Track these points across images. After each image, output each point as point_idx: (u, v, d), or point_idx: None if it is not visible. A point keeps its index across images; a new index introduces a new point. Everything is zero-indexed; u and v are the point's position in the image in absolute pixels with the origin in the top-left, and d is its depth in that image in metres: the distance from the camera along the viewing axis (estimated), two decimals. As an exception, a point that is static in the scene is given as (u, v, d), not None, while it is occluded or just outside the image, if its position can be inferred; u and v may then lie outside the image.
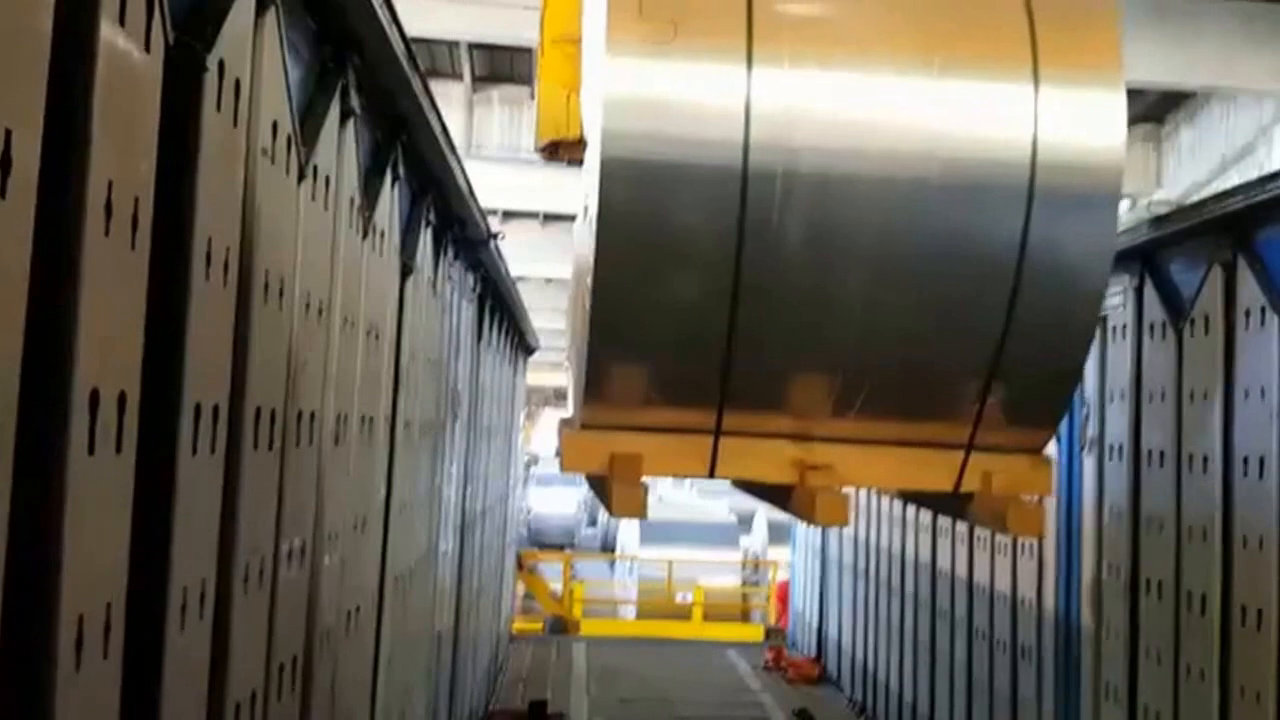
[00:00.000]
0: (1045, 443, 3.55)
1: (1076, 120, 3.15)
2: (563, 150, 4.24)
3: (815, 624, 14.60)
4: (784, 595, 17.85)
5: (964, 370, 3.31)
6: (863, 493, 12.08)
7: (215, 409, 2.35)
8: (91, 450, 1.84)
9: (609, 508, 3.40)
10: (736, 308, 3.14)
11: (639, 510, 3.32)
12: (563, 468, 3.49)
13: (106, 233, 1.86)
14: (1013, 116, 3.14)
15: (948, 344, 3.29)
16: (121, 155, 1.90)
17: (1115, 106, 3.17)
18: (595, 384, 3.28)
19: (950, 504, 3.72)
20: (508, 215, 17.11)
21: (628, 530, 21.81)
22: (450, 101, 13.50)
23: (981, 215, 3.16)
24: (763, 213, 3.07)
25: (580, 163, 3.72)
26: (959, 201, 3.16)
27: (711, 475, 3.48)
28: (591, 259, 3.14)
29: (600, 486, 3.49)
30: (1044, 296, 3.20)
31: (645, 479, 3.31)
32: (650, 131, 3.05)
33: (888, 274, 3.18)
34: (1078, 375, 3.52)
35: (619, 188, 3.06)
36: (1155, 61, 10.66)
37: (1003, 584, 7.97)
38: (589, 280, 3.21)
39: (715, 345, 3.19)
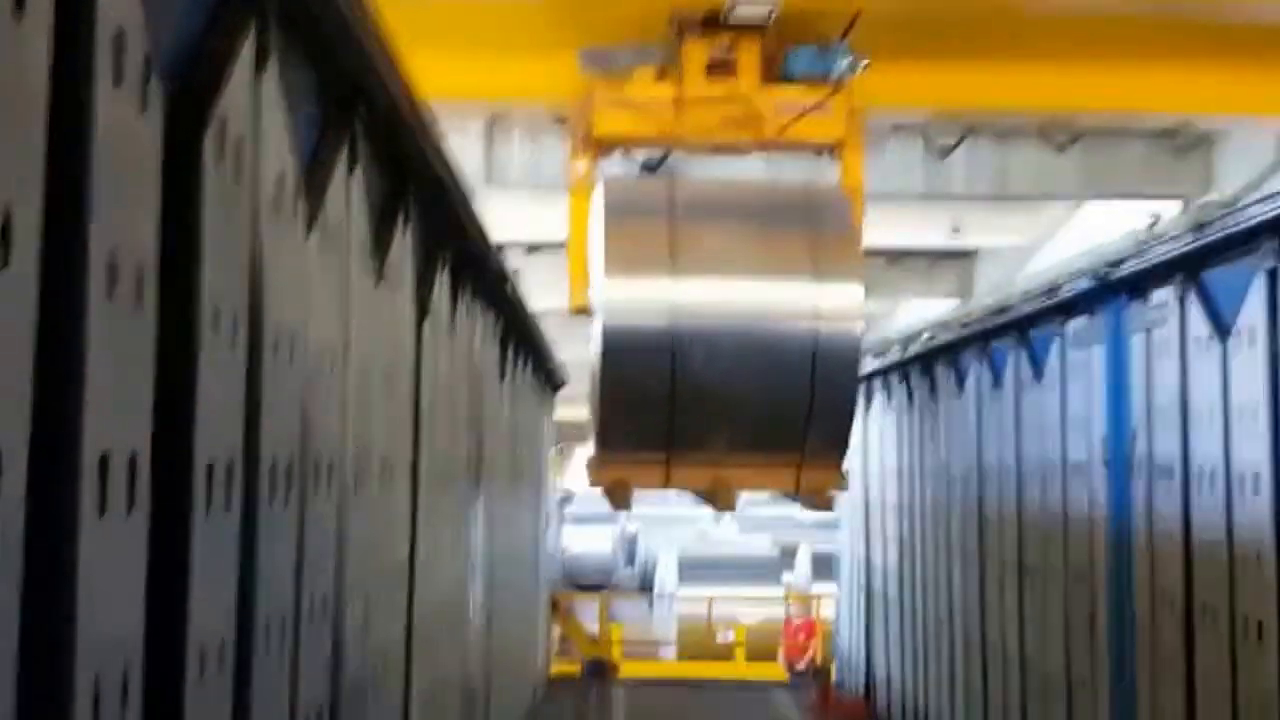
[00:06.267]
0: (841, 463, 6.67)
1: (837, 297, 6.38)
2: (583, 311, 7.44)
3: (863, 662, 14.31)
4: (809, 631, 17.49)
5: (792, 426, 6.32)
6: (904, 523, 11.93)
7: (229, 466, 2.35)
8: (103, 514, 1.84)
9: (612, 505, 6.87)
10: (674, 399, 6.18)
11: (627, 506, 6.85)
12: (590, 483, 6.78)
13: (110, 296, 1.86)
14: (805, 296, 6.36)
15: (782, 412, 6.32)
16: (123, 218, 1.91)
17: (856, 291, 6.53)
18: (603, 442, 6.49)
19: (798, 498, 7.08)
20: (531, 249, 16.98)
21: (666, 567, 21.61)
22: (469, 133, 13.47)
23: (792, 346, 6.25)
24: (682, 350, 6.16)
25: (590, 315, 6.90)
26: (781, 339, 6.29)
27: (666, 486, 6.78)
28: (599, 377, 6.28)
29: (608, 494, 6.59)
30: (826, 386, 6.23)
31: (633, 489, 6.62)
32: (629, 312, 6.25)
33: (747, 380, 6.24)
34: (850, 427, 6.57)
35: (614, 342, 6.21)
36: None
37: (1054, 615, 7.79)
38: (598, 386, 6.35)
39: (664, 418, 6.23)
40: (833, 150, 8.12)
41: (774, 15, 7.82)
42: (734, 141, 8.06)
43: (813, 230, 6.45)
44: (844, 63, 7.88)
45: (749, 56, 7.95)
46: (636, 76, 8.03)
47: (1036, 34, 9.01)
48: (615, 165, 8.73)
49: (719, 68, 7.93)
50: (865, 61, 7.92)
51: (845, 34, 7.95)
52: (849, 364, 6.36)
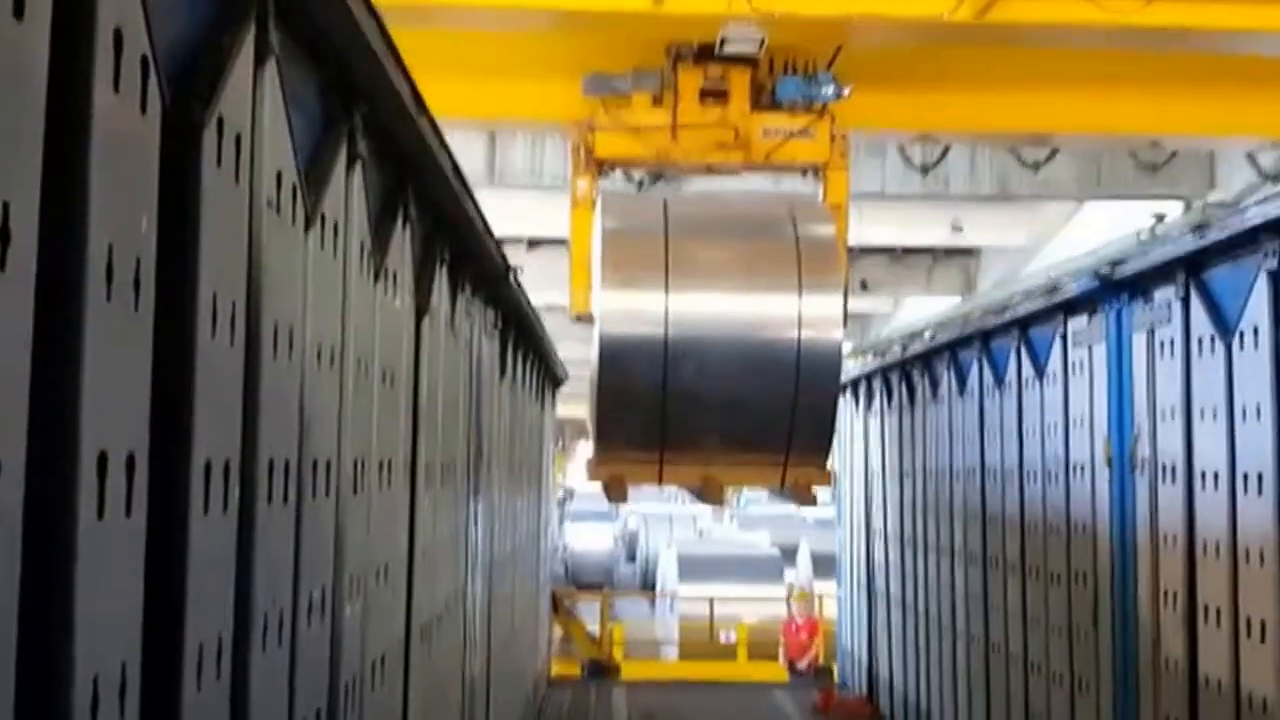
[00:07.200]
0: (825, 461, 7.19)
1: (818, 308, 6.81)
2: (583, 319, 8.08)
3: (865, 662, 14.26)
4: (811, 630, 17.44)
5: (778, 428, 6.78)
6: (907, 522, 11.91)
7: (226, 465, 2.34)
8: (101, 515, 1.83)
9: (609, 499, 7.53)
10: (666, 403, 6.69)
11: (624, 499, 7.44)
12: (588, 479, 7.32)
13: (108, 297, 1.85)
14: (789, 307, 6.76)
15: (768, 415, 6.75)
16: (121, 219, 1.90)
17: (836, 303, 7.00)
18: (601, 443, 7.02)
19: (782, 494, 7.66)
20: (533, 243, 16.90)
21: (667, 565, 21.56)
22: (471, 131, 13.41)
23: (777, 352, 6.72)
24: (675, 357, 6.64)
25: (591, 321, 7.38)
26: (767, 346, 6.76)
27: (659, 483, 7.52)
28: (597, 382, 6.79)
29: (605, 489, 7.18)
30: (810, 389, 6.68)
31: (628, 485, 7.17)
32: (625, 322, 6.72)
33: (735, 385, 6.70)
34: (833, 428, 7.07)
35: (611, 351, 6.69)
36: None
37: (1057, 615, 7.77)
38: (596, 390, 6.84)
39: (656, 421, 6.73)
40: (817, 171, 8.95)
41: (763, 48, 8.59)
42: (724, 163, 8.92)
43: (796, 244, 6.98)
44: (828, 90, 8.75)
45: (739, 84, 8.77)
46: (635, 102, 8.87)
47: (1009, 64, 9.66)
48: (615, 182, 9.63)
49: (711, 95, 8.80)
50: (848, 89, 8.77)
51: (829, 64, 8.84)
52: (830, 368, 6.88)
